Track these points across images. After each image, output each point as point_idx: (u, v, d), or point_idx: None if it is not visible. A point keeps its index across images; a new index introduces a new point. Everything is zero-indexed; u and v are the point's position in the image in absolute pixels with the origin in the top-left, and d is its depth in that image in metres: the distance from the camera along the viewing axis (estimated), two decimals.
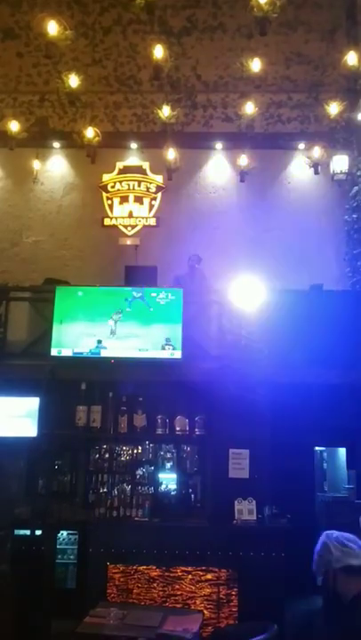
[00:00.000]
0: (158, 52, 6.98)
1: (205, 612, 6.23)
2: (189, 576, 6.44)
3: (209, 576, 6.43)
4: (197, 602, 6.37)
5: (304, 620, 3.73)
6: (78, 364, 7.46)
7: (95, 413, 7.42)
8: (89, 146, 8.78)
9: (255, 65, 7.39)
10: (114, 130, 10.07)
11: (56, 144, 10.26)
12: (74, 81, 7.69)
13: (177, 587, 6.44)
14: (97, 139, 8.73)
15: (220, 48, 10.07)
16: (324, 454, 9.99)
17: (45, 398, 7.32)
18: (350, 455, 9.21)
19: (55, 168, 10.33)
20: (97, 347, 7.45)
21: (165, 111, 8.66)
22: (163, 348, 7.39)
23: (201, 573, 6.44)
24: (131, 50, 10.13)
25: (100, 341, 7.44)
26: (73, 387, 7.43)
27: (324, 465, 10.01)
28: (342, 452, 9.58)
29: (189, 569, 6.46)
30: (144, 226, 9.92)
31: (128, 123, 10.24)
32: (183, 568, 6.47)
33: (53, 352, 7.43)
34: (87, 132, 8.73)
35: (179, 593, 6.42)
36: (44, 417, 7.28)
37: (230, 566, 6.44)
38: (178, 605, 6.32)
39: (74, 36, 6.80)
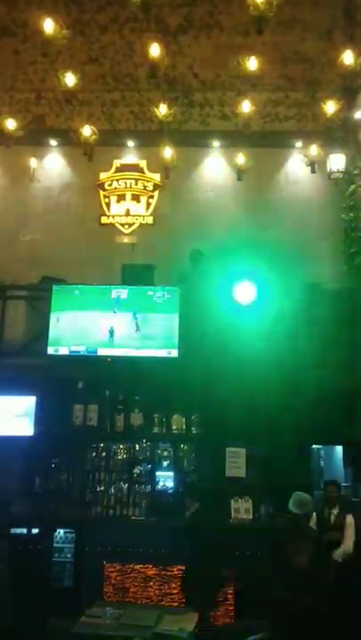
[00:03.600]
0: (155, 50, 6.98)
1: None
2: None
3: None
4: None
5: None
6: (75, 362, 7.45)
7: (92, 412, 7.42)
8: (86, 144, 8.76)
9: (252, 63, 7.37)
10: (111, 128, 10.03)
11: (53, 142, 10.24)
12: (70, 79, 7.68)
13: (173, 585, 6.45)
14: (94, 137, 8.71)
15: (217, 46, 10.04)
16: (322, 452, 9.99)
17: (42, 397, 7.32)
18: (348, 453, 9.21)
19: (52, 166, 10.30)
20: (93, 345, 7.45)
21: (162, 109, 8.65)
22: (160, 347, 7.38)
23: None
24: (127, 48, 10.08)
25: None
26: (70, 385, 7.42)
27: (322, 463, 10.01)
28: (339, 449, 9.58)
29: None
30: (141, 224, 9.92)
31: (125, 121, 10.21)
32: (179, 567, 6.46)
33: (50, 351, 7.43)
34: (84, 130, 8.71)
35: (175, 592, 6.42)
36: (41, 415, 7.28)
37: (226, 565, 6.44)
38: (174, 604, 6.32)
39: (70, 35, 6.79)
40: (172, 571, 6.48)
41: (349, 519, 6.09)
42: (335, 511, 6.17)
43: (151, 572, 6.51)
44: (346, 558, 5.80)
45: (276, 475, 7.10)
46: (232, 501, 6.86)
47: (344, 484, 9.11)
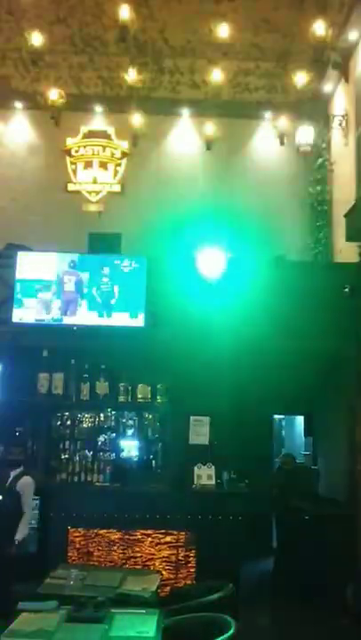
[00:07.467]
0: (124, 12, 6.85)
1: (164, 572, 6.39)
2: (149, 539, 6.58)
3: (168, 538, 6.59)
4: (157, 563, 6.53)
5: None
6: (40, 330, 7.41)
7: (57, 380, 7.41)
8: (53, 108, 8.58)
9: (223, 30, 7.30)
10: (78, 92, 9.83)
11: (18, 105, 9.97)
12: (37, 39, 7.49)
13: (137, 549, 6.58)
14: (61, 100, 8.54)
15: (189, 11, 9.84)
16: (283, 422, 10.25)
17: (7, 365, 7.27)
18: (308, 423, 9.47)
19: (17, 130, 10.06)
20: (59, 314, 7.40)
21: (131, 75, 8.52)
22: (126, 316, 7.38)
23: (160, 536, 6.58)
24: (96, 9, 9.80)
25: (62, 308, 7.39)
26: (35, 353, 7.38)
27: (283, 432, 10.28)
28: (300, 419, 9.84)
29: (149, 532, 6.59)
30: (108, 192, 9.81)
31: (93, 85, 10.01)
32: (143, 531, 6.59)
33: (15, 319, 7.35)
34: (51, 94, 8.53)
35: (138, 555, 6.56)
36: (6, 384, 7.24)
37: (189, 529, 6.61)
38: (137, 567, 6.46)
39: None
40: (136, 535, 6.60)
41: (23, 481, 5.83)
42: (13, 473, 5.88)
43: (115, 537, 6.62)
44: None
45: (239, 443, 7.27)
46: (195, 468, 6.99)
47: (304, 453, 9.40)
